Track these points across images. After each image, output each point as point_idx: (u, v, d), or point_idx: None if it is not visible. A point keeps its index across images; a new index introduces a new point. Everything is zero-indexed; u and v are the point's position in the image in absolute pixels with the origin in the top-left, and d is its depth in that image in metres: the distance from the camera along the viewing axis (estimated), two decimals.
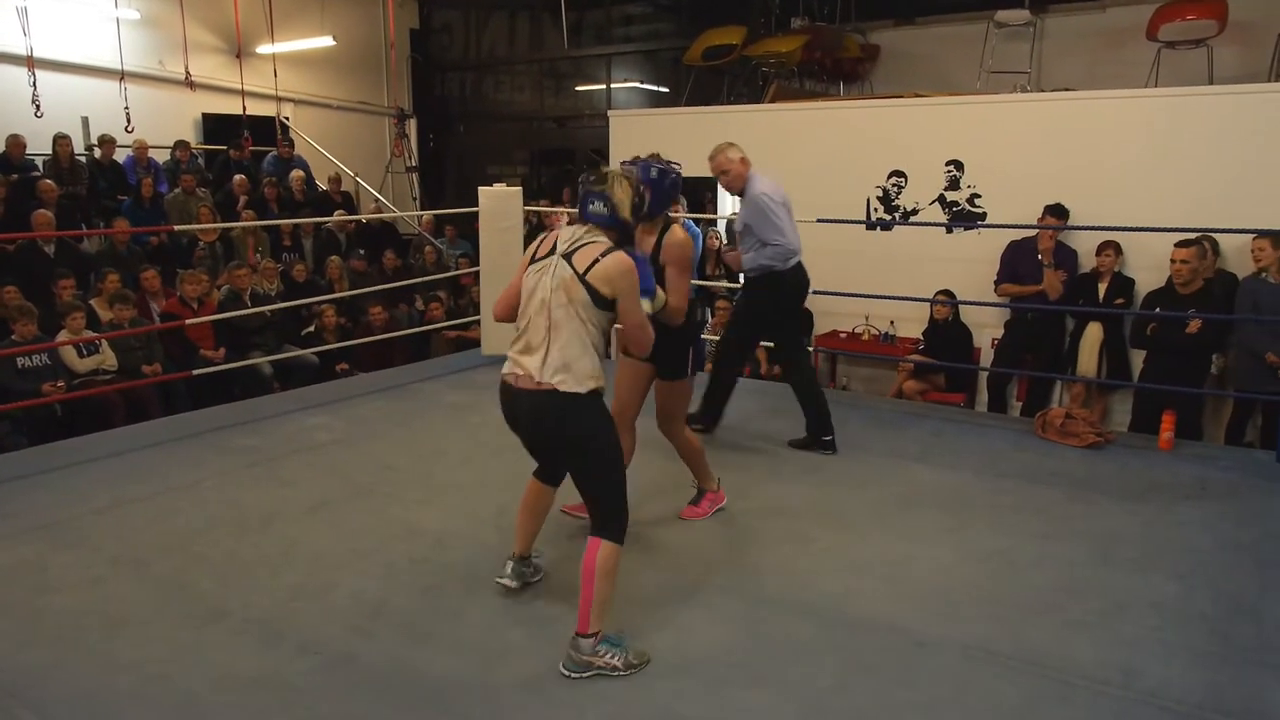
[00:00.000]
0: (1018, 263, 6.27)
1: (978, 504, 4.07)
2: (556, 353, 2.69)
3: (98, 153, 9.07)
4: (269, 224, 8.69)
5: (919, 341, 6.91)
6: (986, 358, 6.69)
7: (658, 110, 10.76)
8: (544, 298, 2.72)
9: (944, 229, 6.83)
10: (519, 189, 6.46)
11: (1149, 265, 5.84)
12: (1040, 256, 6.10)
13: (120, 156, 9.18)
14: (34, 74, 8.40)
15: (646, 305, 2.91)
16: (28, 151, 8.45)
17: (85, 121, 9.56)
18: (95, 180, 8.83)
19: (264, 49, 10.80)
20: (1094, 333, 6.10)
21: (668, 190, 3.47)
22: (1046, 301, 6.04)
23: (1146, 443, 4.99)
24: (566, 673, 2.69)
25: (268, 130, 10.61)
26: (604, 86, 12.64)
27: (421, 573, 3.35)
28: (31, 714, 2.51)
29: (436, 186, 13.96)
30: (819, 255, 7.13)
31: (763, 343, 7.15)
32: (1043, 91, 7.88)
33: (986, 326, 6.74)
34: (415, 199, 12.84)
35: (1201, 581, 3.32)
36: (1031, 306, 6.13)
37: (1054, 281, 6.04)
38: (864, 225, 7.12)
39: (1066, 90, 7.27)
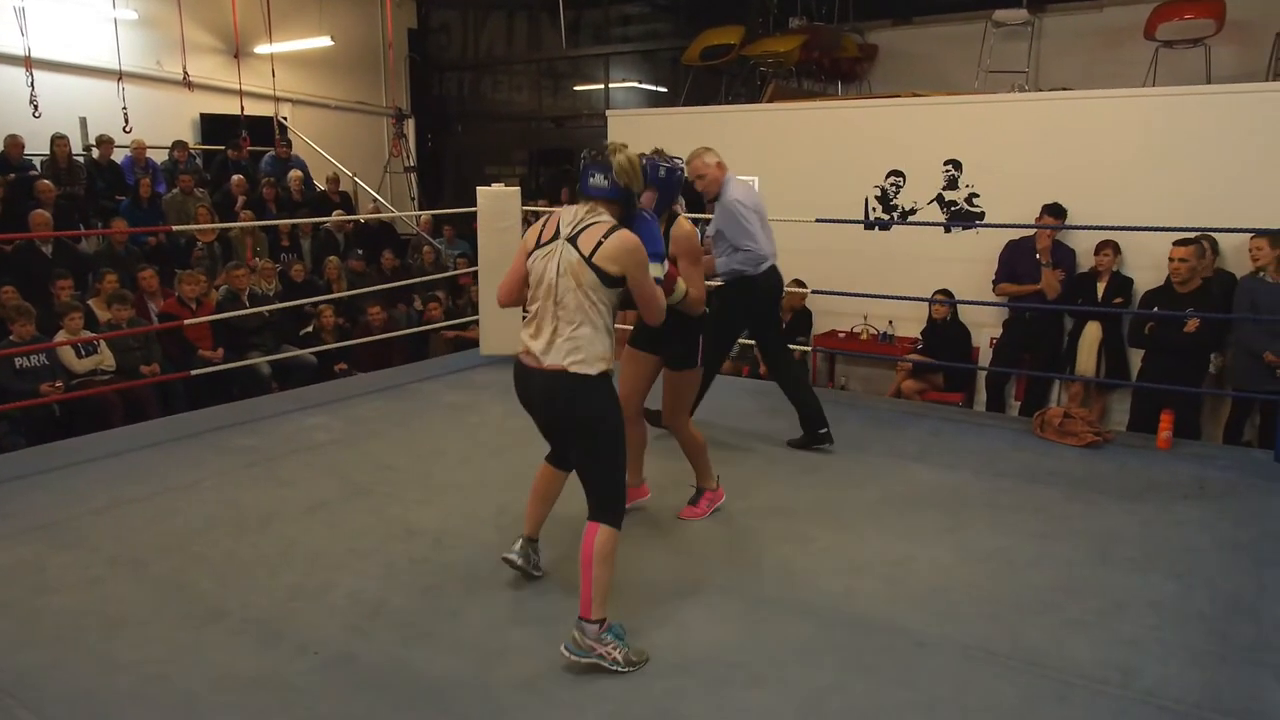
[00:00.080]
0: (1016, 262, 6.28)
1: (976, 503, 4.07)
2: (566, 335, 2.72)
3: (96, 153, 9.06)
4: (267, 224, 8.68)
5: (917, 341, 6.92)
6: (985, 357, 6.70)
7: (656, 110, 10.76)
8: (551, 282, 2.75)
9: (942, 228, 6.84)
10: (517, 189, 6.45)
11: (1147, 265, 5.85)
12: (1038, 256, 6.11)
13: (118, 157, 9.18)
14: (32, 74, 8.40)
15: (656, 270, 2.89)
16: (26, 152, 8.44)
17: (83, 122, 9.55)
18: (93, 180, 8.82)
19: (262, 49, 10.79)
20: (1092, 332, 6.11)
21: (673, 187, 3.52)
22: (1045, 301, 6.05)
23: (1145, 442, 5.00)
24: (567, 652, 2.70)
25: (266, 130, 10.61)
26: (602, 86, 12.65)
27: (420, 573, 3.35)
28: (30, 714, 2.51)
29: (434, 186, 13.96)
30: (817, 255, 7.19)
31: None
32: (1040, 91, 7.89)
33: (985, 326, 6.75)
34: (413, 199, 12.84)
35: (1200, 581, 3.32)
36: (1030, 306, 6.14)
37: (1052, 281, 6.05)
38: (862, 225, 7.13)
39: (1064, 90, 7.28)
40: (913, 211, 7.00)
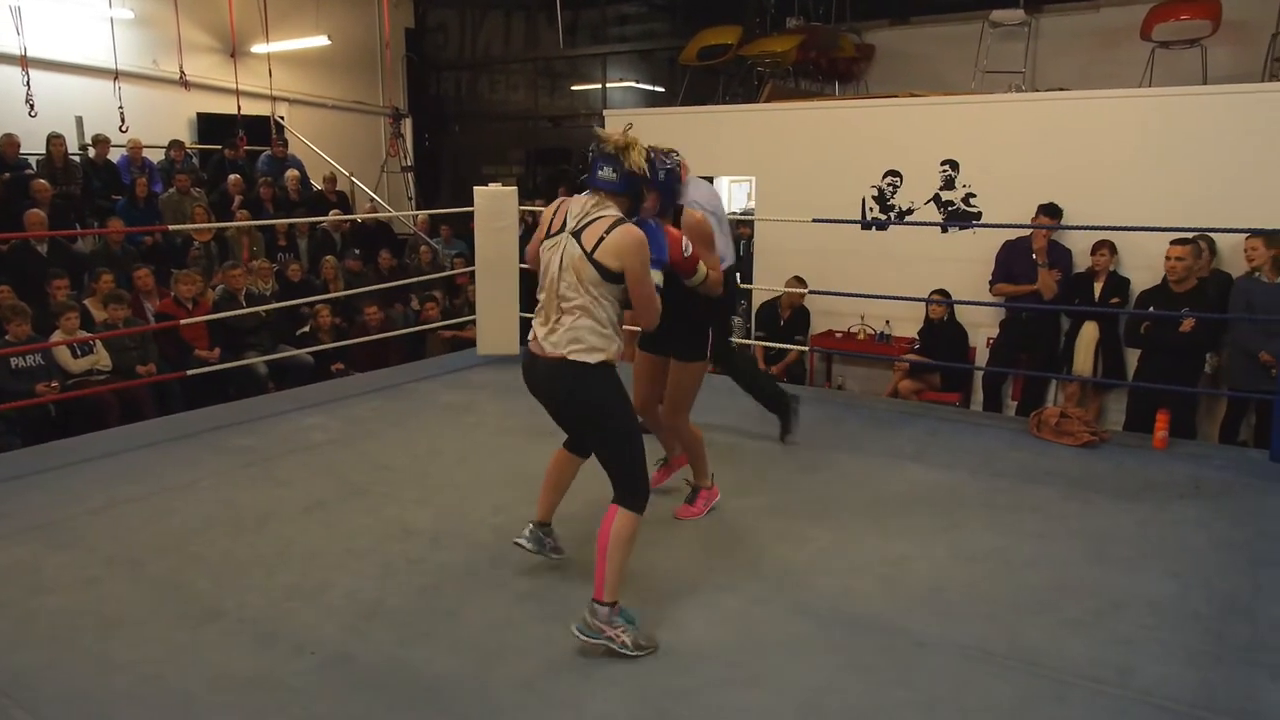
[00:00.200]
0: (1013, 262, 6.28)
1: (973, 503, 4.08)
2: (568, 327, 2.77)
3: (92, 152, 9.05)
4: (264, 224, 8.67)
5: (914, 341, 6.92)
6: (982, 357, 6.70)
7: (653, 110, 10.75)
8: (555, 275, 2.80)
9: (939, 228, 6.84)
10: (514, 189, 6.44)
11: (1144, 265, 5.86)
12: (1034, 256, 6.12)
13: (115, 156, 9.16)
14: (28, 73, 8.37)
15: (656, 276, 2.90)
16: (21, 151, 8.42)
17: (79, 121, 9.52)
18: (89, 180, 8.80)
19: (259, 48, 10.77)
20: (1089, 332, 6.11)
21: (674, 186, 3.52)
22: (1041, 301, 6.05)
23: (1141, 441, 5.00)
24: (578, 634, 2.73)
25: (263, 130, 10.59)
26: (599, 86, 12.64)
27: (417, 572, 3.35)
28: (25, 714, 2.50)
29: (432, 186, 13.95)
30: (814, 255, 7.20)
31: (761, 342, 7.20)
32: (1037, 91, 7.91)
33: (982, 326, 6.75)
34: (410, 199, 12.82)
35: (1196, 580, 3.33)
36: (1027, 306, 6.14)
37: (1048, 281, 6.06)
38: (859, 225, 7.13)
39: (1061, 90, 7.30)
40: (910, 211, 7.00)
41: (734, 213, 9.93)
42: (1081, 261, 6.18)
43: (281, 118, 11.33)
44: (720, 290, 3.54)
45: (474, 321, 6.69)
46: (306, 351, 7.22)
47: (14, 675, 2.68)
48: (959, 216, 6.78)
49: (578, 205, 2.82)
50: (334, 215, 9.52)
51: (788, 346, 6.98)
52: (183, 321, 6.35)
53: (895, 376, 6.86)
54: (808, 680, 2.69)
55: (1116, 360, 6.09)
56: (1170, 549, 3.61)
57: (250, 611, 3.05)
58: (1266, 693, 2.64)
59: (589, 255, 2.71)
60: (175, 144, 9.59)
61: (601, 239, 2.70)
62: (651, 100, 12.33)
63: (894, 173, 7.04)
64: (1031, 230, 6.12)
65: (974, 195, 6.74)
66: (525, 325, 6.42)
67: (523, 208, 7.10)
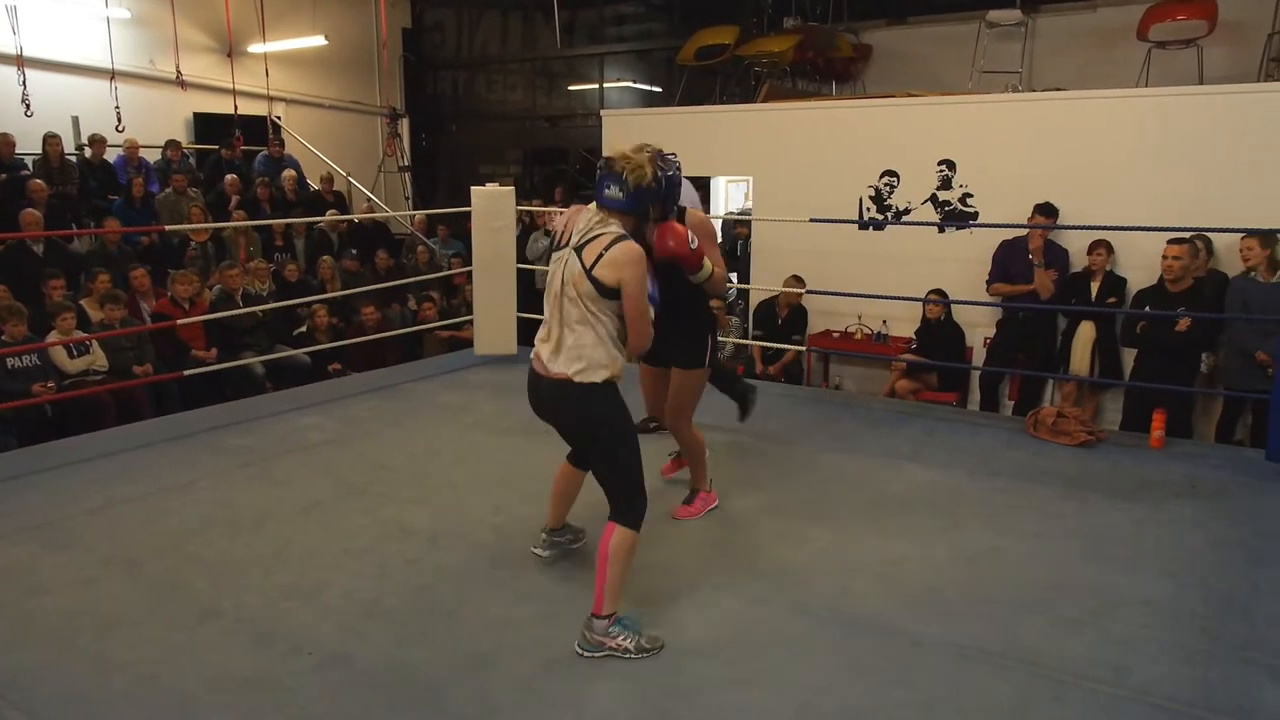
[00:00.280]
0: (1009, 262, 6.29)
1: (970, 503, 4.08)
2: (570, 344, 2.78)
3: (88, 152, 9.02)
4: (261, 224, 8.66)
5: (911, 341, 6.93)
6: (979, 357, 6.71)
7: (650, 110, 10.77)
8: (557, 291, 2.81)
9: (936, 228, 6.85)
10: (511, 188, 6.44)
11: (1140, 264, 5.88)
12: (1031, 256, 6.13)
13: (111, 156, 9.13)
14: (23, 73, 8.36)
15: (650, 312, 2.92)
16: (17, 151, 8.39)
17: (75, 121, 9.50)
18: (86, 180, 8.78)
19: (255, 48, 10.76)
20: (1086, 332, 6.12)
21: (675, 192, 3.56)
22: (1038, 301, 6.06)
23: (1138, 441, 5.01)
24: (580, 651, 2.76)
25: (259, 130, 10.57)
26: (597, 86, 12.65)
27: (415, 572, 3.35)
28: (22, 715, 2.50)
29: (429, 186, 13.95)
30: (812, 255, 7.21)
31: (759, 341, 7.21)
32: (1034, 91, 7.92)
33: (979, 326, 6.76)
34: (407, 198, 12.81)
35: (1192, 579, 3.33)
36: (1023, 306, 6.15)
37: (1045, 281, 6.07)
38: (856, 225, 7.14)
39: (1058, 90, 7.30)
40: (907, 211, 7.01)
41: (731, 213, 9.95)
42: (1078, 261, 6.19)
43: (278, 117, 11.32)
44: (725, 287, 3.58)
45: (471, 321, 6.69)
46: (303, 352, 7.21)
47: (10, 676, 2.67)
48: (956, 216, 6.79)
49: (584, 220, 2.84)
50: (331, 215, 9.50)
51: (785, 346, 6.99)
52: (179, 322, 6.34)
53: (892, 376, 6.87)
54: (806, 680, 2.69)
55: (1113, 360, 6.10)
56: (1167, 548, 3.62)
57: (248, 612, 3.05)
58: (1263, 691, 2.65)
59: (588, 271, 2.72)
60: (172, 144, 9.56)
61: (601, 255, 2.71)
62: (649, 100, 12.33)
63: (891, 173, 7.05)
64: (1028, 230, 6.13)
65: (971, 195, 6.75)
66: (523, 325, 6.48)
67: (520, 208, 7.10)
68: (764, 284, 7.43)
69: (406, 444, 4.84)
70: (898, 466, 4.57)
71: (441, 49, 13.87)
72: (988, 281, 6.41)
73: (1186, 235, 5.39)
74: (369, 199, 11.46)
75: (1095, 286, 6.02)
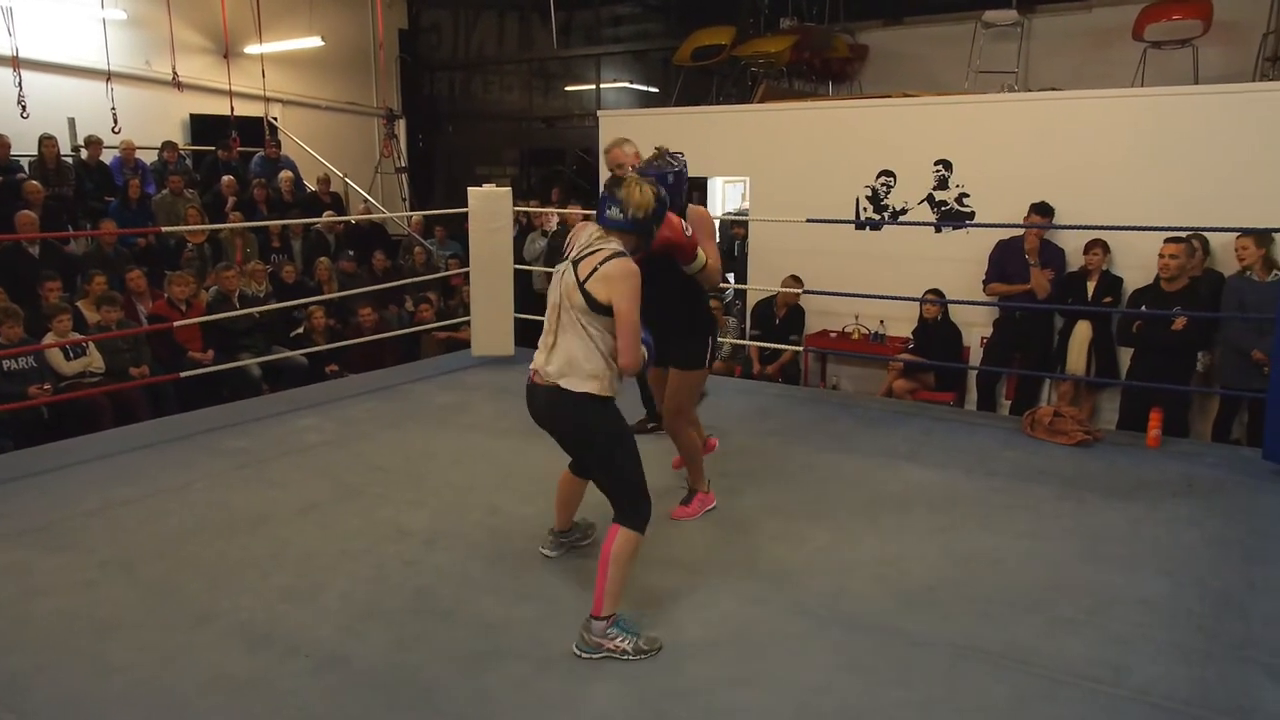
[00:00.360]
0: (1006, 262, 6.30)
1: (967, 502, 4.09)
2: (562, 355, 2.83)
3: (84, 154, 9.00)
4: (257, 225, 8.65)
5: (908, 341, 6.94)
6: (976, 357, 6.72)
7: (647, 110, 10.76)
8: (555, 303, 2.87)
9: (933, 228, 6.86)
10: (508, 189, 6.44)
11: (1136, 264, 5.88)
12: (1027, 255, 6.13)
13: (107, 157, 9.12)
14: (19, 74, 8.35)
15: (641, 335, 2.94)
16: (13, 152, 8.37)
17: (71, 122, 9.48)
18: (82, 181, 8.76)
19: (252, 49, 10.75)
20: (1083, 331, 6.13)
21: (681, 189, 3.63)
22: (1035, 300, 6.07)
23: (1134, 440, 5.02)
24: (578, 652, 2.78)
25: (256, 131, 10.56)
26: (593, 87, 12.64)
27: (412, 574, 3.35)
28: (18, 718, 2.49)
29: (425, 187, 13.93)
30: (809, 255, 7.21)
31: (756, 341, 7.21)
32: (1030, 91, 7.93)
33: (975, 325, 6.77)
34: (404, 199, 12.80)
35: (1189, 578, 3.34)
36: (1020, 305, 6.16)
37: (1041, 280, 6.08)
38: (853, 225, 7.15)
39: (1053, 90, 7.31)
40: (903, 211, 7.02)
41: (729, 213, 9.94)
42: (1074, 261, 6.20)
43: (275, 119, 11.31)
44: (718, 281, 3.62)
45: (468, 323, 6.69)
46: (300, 353, 7.20)
47: (8, 678, 2.67)
48: (952, 216, 6.79)
49: (585, 236, 2.88)
50: (328, 216, 9.50)
51: (782, 346, 6.99)
52: (176, 323, 6.34)
53: (889, 376, 6.87)
54: (805, 680, 2.70)
55: (1109, 359, 6.10)
56: (1163, 547, 3.62)
57: (245, 614, 3.05)
58: (1260, 690, 2.65)
59: (580, 285, 2.76)
60: (168, 145, 9.54)
61: (595, 269, 2.74)
62: (645, 101, 12.33)
63: (888, 173, 7.06)
64: (1025, 230, 6.14)
65: (967, 195, 6.76)
66: (520, 326, 6.48)
67: (517, 208, 7.10)
68: (761, 284, 7.43)
69: (404, 445, 4.84)
70: (895, 466, 4.57)
71: (438, 50, 13.86)
72: (984, 281, 6.42)
73: (1182, 235, 5.40)
74: (366, 200, 11.45)
75: (1091, 286, 6.03)
